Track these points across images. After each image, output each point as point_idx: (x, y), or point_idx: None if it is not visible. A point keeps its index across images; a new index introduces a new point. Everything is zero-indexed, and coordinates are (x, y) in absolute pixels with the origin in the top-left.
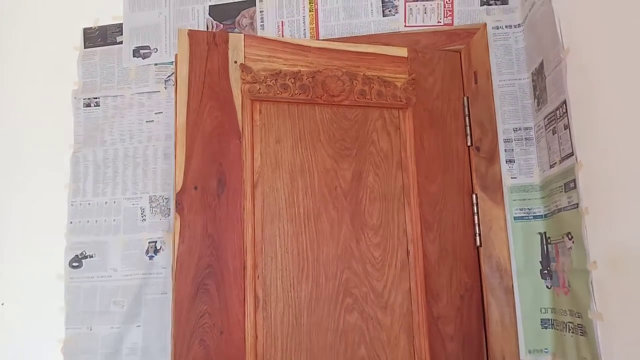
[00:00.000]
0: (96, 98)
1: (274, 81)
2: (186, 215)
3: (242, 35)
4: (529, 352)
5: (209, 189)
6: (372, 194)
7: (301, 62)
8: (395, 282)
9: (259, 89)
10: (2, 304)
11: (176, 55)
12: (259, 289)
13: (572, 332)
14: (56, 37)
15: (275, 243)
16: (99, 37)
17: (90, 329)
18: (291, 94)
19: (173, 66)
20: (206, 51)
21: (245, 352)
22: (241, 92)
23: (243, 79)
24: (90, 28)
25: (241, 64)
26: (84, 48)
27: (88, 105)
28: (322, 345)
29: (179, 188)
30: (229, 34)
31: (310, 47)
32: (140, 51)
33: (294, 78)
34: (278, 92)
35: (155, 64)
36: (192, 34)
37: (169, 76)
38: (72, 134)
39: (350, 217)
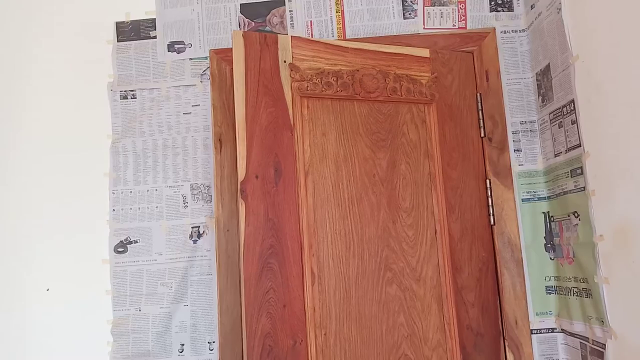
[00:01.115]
0: (132, 90)
1: (319, 79)
2: (250, 202)
3: (290, 36)
4: (537, 314)
5: (267, 178)
6: (404, 180)
7: (341, 61)
8: (426, 257)
9: (307, 86)
10: (48, 290)
11: (211, 50)
12: (314, 266)
13: (577, 296)
14: (88, 30)
15: (326, 225)
16: (132, 31)
17: (140, 310)
18: (334, 90)
19: (208, 61)
20: (259, 51)
21: (305, 323)
22: (291, 89)
23: (292, 77)
24: (123, 22)
25: (290, 63)
26: (117, 42)
27: (125, 98)
28: (368, 315)
29: (242, 177)
30: (278, 35)
31: (348, 48)
32: (175, 46)
33: (336, 76)
34: (323, 89)
35: (190, 59)
36: (246, 36)
37: (204, 71)
38: (110, 125)
39: (387, 201)
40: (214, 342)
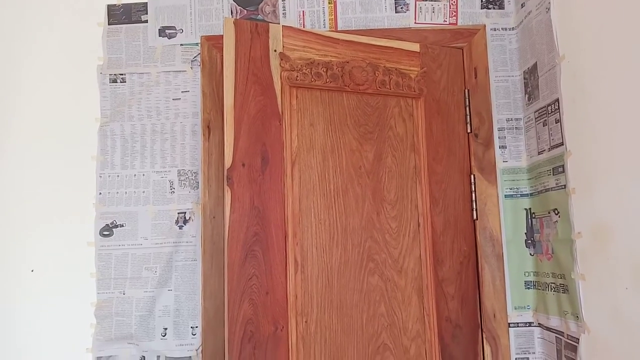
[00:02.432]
0: (122, 74)
1: (309, 70)
2: (236, 189)
3: (281, 26)
4: (515, 308)
5: (254, 166)
6: (390, 173)
7: (331, 52)
8: (409, 249)
9: (297, 76)
10: (32, 271)
11: (202, 37)
12: (298, 255)
13: (554, 291)
14: (79, 12)
15: (311, 214)
16: (124, 14)
17: (124, 293)
18: (324, 81)
19: (199, 47)
20: (249, 40)
21: (287, 310)
22: (280, 78)
23: (282, 67)
24: (114, 5)
25: (280, 52)
26: (108, 25)
27: (114, 81)
28: (350, 304)
29: (229, 165)
30: (269, 24)
31: (339, 39)
32: (166, 31)
33: (325, 67)
34: (312, 80)
35: (181, 44)
36: (237, 23)
37: (195, 57)
38: (98, 108)
39: (372, 193)
40: (196, 327)
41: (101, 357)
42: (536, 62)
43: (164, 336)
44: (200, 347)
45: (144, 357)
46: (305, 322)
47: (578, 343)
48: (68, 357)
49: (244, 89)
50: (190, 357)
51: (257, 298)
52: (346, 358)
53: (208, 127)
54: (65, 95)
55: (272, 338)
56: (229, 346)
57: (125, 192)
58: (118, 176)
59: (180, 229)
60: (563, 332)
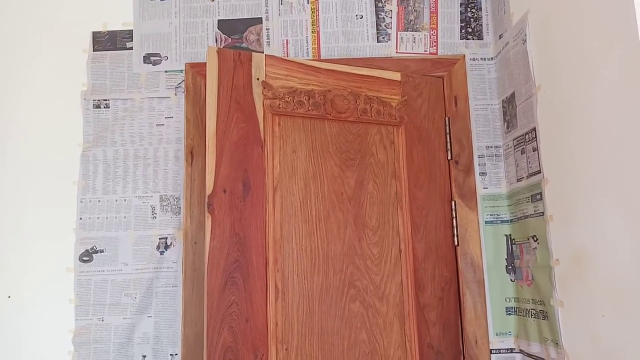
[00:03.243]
0: (106, 100)
1: (291, 98)
2: (217, 215)
3: (264, 55)
4: (496, 334)
5: (235, 192)
6: (371, 199)
7: (314, 81)
8: (390, 275)
9: (279, 104)
10: (9, 297)
11: (187, 64)
12: (278, 281)
13: (535, 317)
14: (65, 39)
15: (292, 241)
16: (109, 41)
17: (102, 320)
18: (306, 109)
19: (183, 74)
20: (232, 68)
21: (267, 337)
22: (263, 106)
23: (265, 95)
24: (100, 32)
25: (263, 81)
26: (93, 51)
27: (98, 107)
28: (331, 330)
29: (210, 191)
30: (252, 53)
31: (321, 68)
32: (151, 58)
33: (308, 96)
34: (295, 108)
35: (166, 71)
36: (220, 52)
37: (179, 83)
38: (81, 133)
39: (354, 219)
40: (176, 354)
41: None
42: (514, 92)
43: None
44: None
45: None
46: (286, 349)
47: None
48: None
49: (227, 116)
50: None
51: (237, 325)
52: None
53: (191, 152)
54: (48, 120)
55: None
56: None
57: (107, 217)
58: (99, 201)
59: (161, 254)
60: (544, 359)
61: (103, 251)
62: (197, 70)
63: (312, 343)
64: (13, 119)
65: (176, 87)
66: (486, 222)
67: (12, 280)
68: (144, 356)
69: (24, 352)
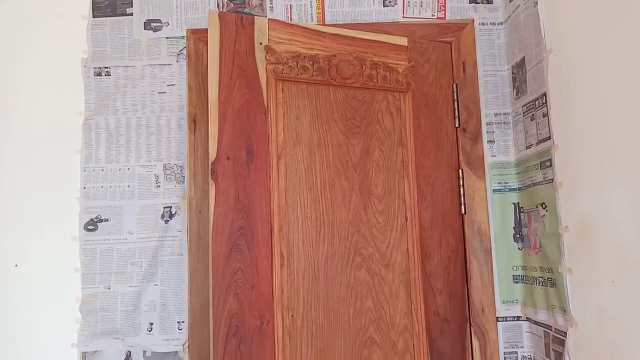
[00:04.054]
0: (107, 67)
1: (295, 63)
2: (220, 183)
3: (267, 19)
4: (503, 302)
5: (239, 160)
6: (377, 167)
7: (317, 46)
8: (396, 243)
9: (282, 69)
10: (16, 266)
11: (188, 30)
12: (284, 249)
13: (542, 285)
14: (64, 5)
15: (297, 209)
16: (108, 7)
17: (109, 288)
18: (310, 75)
19: (185, 41)
20: (234, 32)
21: (273, 304)
22: (266, 71)
23: (268, 60)
24: None
25: (266, 45)
26: (93, 17)
27: (99, 74)
28: (337, 297)
29: (213, 158)
30: (255, 17)
31: (325, 32)
32: (152, 24)
33: (312, 61)
34: (299, 73)
35: (167, 38)
36: (222, 16)
37: (180, 50)
38: (83, 102)
39: (359, 187)
40: (183, 321)
41: (86, 352)
42: (524, 57)
43: (150, 331)
44: (187, 342)
45: (129, 352)
46: (292, 316)
47: (565, 337)
48: (53, 352)
49: (229, 81)
50: (176, 352)
51: (243, 292)
52: (333, 352)
53: (194, 120)
54: (49, 89)
55: (257, 332)
56: (214, 340)
57: (110, 187)
58: (102, 170)
59: (166, 223)
60: (551, 326)
61: (108, 220)
62: (198, 36)
63: (318, 310)
64: (14, 88)
65: (178, 54)
66: (494, 190)
67: (18, 250)
68: (151, 323)
69: (31, 321)
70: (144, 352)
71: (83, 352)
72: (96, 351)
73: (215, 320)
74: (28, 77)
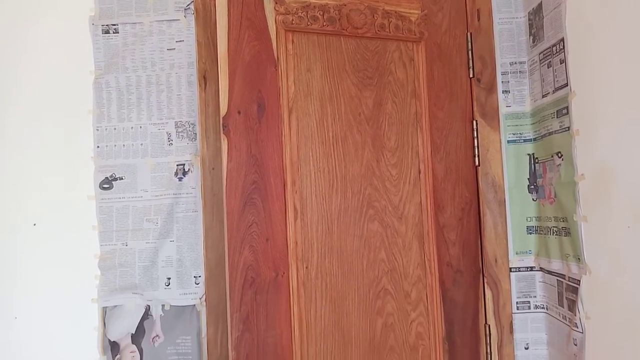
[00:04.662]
0: (114, 25)
1: (304, 13)
2: (232, 137)
3: None
4: (516, 253)
5: (250, 114)
6: (390, 120)
7: None
8: (409, 196)
9: (292, 20)
10: (34, 225)
11: None
12: (297, 202)
13: (556, 235)
14: None
15: (310, 162)
16: None
17: (126, 245)
18: (320, 25)
19: None
20: None
21: (287, 256)
22: (275, 22)
23: (277, 10)
24: None
25: None
26: None
27: (107, 32)
28: (350, 249)
29: (224, 112)
30: None
31: None
32: None
33: (322, 10)
34: (309, 24)
35: None
36: None
37: (188, 5)
38: (92, 61)
39: (372, 140)
40: (199, 276)
41: (107, 307)
42: (541, 2)
43: (167, 286)
44: (204, 296)
45: (148, 306)
46: (306, 267)
47: (579, 285)
48: (74, 308)
49: (238, 34)
50: (194, 305)
51: (258, 245)
52: (347, 302)
53: (204, 77)
54: (58, 48)
55: (273, 283)
56: (231, 292)
57: (123, 145)
58: (115, 129)
59: (179, 180)
60: (564, 275)
61: (122, 178)
62: None
63: (332, 261)
64: (21, 49)
65: (185, 9)
66: (508, 141)
67: (36, 209)
68: (169, 278)
69: (51, 278)
70: (163, 305)
71: (103, 307)
72: (116, 306)
73: (232, 273)
74: (34, 37)
